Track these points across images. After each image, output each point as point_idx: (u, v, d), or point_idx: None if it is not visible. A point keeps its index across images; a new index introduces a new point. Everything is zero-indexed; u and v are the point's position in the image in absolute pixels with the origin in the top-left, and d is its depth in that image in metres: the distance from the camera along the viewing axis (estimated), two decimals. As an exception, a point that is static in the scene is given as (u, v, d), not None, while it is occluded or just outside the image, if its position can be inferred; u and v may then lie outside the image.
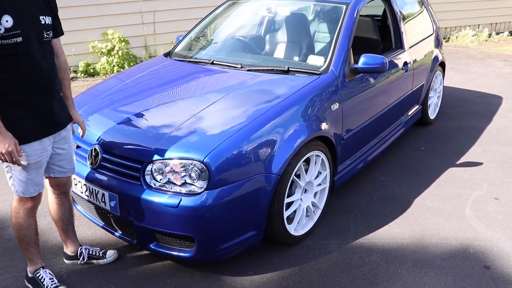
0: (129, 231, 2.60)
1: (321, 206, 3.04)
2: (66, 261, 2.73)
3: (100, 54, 7.27)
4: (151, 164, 2.43)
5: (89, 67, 7.22)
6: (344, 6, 3.48)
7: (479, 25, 11.02)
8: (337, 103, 3.02)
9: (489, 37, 10.87)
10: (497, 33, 11.22)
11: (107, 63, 7.25)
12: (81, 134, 2.57)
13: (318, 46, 3.60)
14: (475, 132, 4.82)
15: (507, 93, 6.21)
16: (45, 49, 2.16)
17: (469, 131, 4.82)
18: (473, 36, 10.36)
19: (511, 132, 4.81)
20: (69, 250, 2.71)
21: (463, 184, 3.70)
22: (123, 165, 2.53)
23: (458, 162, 4.10)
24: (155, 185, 2.42)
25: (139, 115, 2.82)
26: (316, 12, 4.10)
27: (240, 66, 3.27)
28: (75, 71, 7.18)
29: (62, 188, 2.54)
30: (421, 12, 4.75)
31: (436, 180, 3.76)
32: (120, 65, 7.27)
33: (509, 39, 10.87)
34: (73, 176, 2.72)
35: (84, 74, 7.16)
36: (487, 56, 8.72)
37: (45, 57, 2.16)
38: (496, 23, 11.37)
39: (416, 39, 4.37)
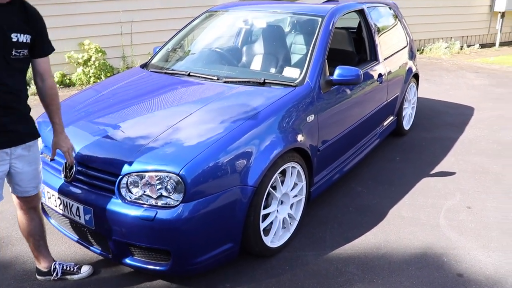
0: (104, 245, 2.57)
1: (298, 217, 3.05)
2: (38, 277, 2.66)
3: (76, 64, 7.21)
4: (127, 177, 2.41)
5: (65, 78, 7.15)
6: (320, 19, 3.53)
7: (451, 37, 11.32)
8: (313, 115, 3.05)
9: (461, 49, 11.18)
10: (468, 46, 11.56)
11: (84, 73, 7.18)
12: (68, 160, 2.51)
13: (294, 58, 3.64)
14: (449, 142, 4.92)
15: (478, 104, 6.37)
16: (12, 66, 2.12)
17: (442, 142, 4.92)
18: (446, 48, 10.63)
19: (482, 142, 4.93)
20: (42, 266, 2.65)
21: (437, 193, 3.77)
22: (98, 178, 2.50)
23: (432, 172, 4.17)
24: (130, 198, 2.39)
25: (115, 127, 2.80)
26: (292, 24, 4.15)
27: (216, 78, 3.27)
28: (50, 82, 7.08)
29: (29, 203, 2.48)
30: (395, 25, 4.85)
31: (411, 190, 3.82)
32: (96, 75, 7.21)
33: (480, 52, 11.20)
34: (47, 189, 2.69)
35: (60, 85, 7.08)
36: (460, 68, 8.93)
37: (11, 74, 2.12)
38: (467, 36, 11.71)
39: (391, 51, 4.46)
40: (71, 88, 7.04)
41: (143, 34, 7.63)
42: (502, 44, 12.26)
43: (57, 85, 6.96)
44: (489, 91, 7.14)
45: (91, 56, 7.19)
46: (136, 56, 7.66)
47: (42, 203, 2.88)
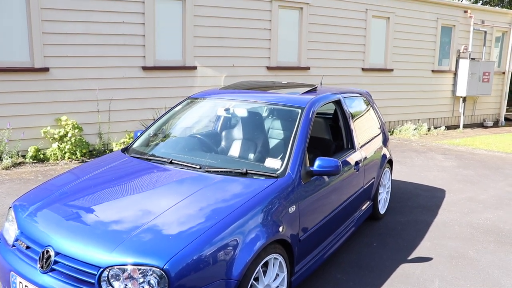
0: None
1: (279, 308, 3.00)
2: None
3: (52, 140, 7.18)
4: (108, 270, 2.35)
5: (39, 153, 7.08)
6: (300, 110, 3.67)
7: (419, 119, 11.89)
8: (294, 206, 3.09)
9: (429, 131, 11.71)
10: (435, 127, 12.13)
11: (59, 149, 7.13)
12: None
13: (275, 149, 3.73)
14: (423, 225, 5.01)
15: (449, 187, 6.57)
16: None
17: (417, 225, 5.01)
18: (414, 129, 11.11)
19: (456, 226, 5.03)
20: None
21: (415, 280, 3.78)
22: (77, 269, 2.43)
23: (409, 258, 4.20)
24: (111, 292, 2.33)
25: (97, 215, 2.76)
26: (272, 114, 4.30)
27: (199, 167, 3.29)
28: (23, 156, 7.01)
29: None
30: (369, 114, 5.07)
31: (390, 276, 3.82)
32: (72, 151, 7.17)
33: (446, 133, 11.74)
34: (19, 279, 2.59)
35: (33, 160, 6.99)
36: (429, 149, 9.28)
37: None
38: (433, 118, 12.32)
39: (366, 138, 4.64)
40: (45, 163, 6.96)
41: (121, 112, 7.74)
42: (465, 126, 12.91)
43: (31, 160, 6.89)
44: (458, 173, 7.41)
45: (67, 132, 7.19)
46: (113, 134, 7.70)
47: (12, 294, 2.76)
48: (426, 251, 4.36)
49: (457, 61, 12.39)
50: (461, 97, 12.55)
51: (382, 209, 5.15)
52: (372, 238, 4.64)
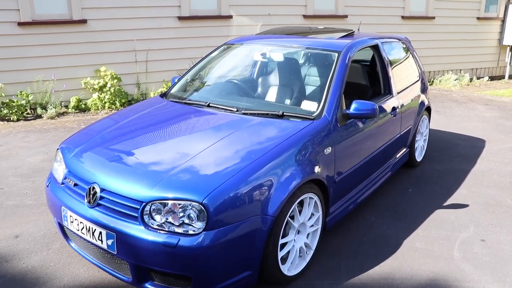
0: (125, 270, 2.62)
1: (314, 246, 3.10)
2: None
3: (92, 90, 7.38)
4: (150, 204, 2.48)
5: (81, 103, 7.31)
6: (336, 54, 3.63)
7: (461, 70, 11.47)
8: (330, 147, 3.12)
9: (471, 81, 11.30)
10: (478, 78, 11.68)
11: (99, 99, 7.34)
12: None
13: (311, 92, 3.74)
14: (461, 174, 4.96)
15: (490, 137, 6.42)
16: None
17: (455, 174, 4.96)
18: (455, 80, 10.75)
19: (495, 175, 4.96)
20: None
21: (450, 225, 3.79)
22: (121, 204, 2.57)
23: (445, 204, 4.20)
24: (153, 224, 2.46)
25: (138, 155, 2.88)
26: (308, 58, 4.26)
27: (236, 110, 3.36)
28: (66, 106, 7.26)
29: None
30: (407, 59, 4.95)
31: (424, 221, 3.85)
32: (111, 101, 7.37)
33: (489, 84, 11.29)
34: (70, 213, 2.77)
35: (75, 109, 7.23)
36: (470, 100, 9.01)
37: None
38: (476, 69, 11.85)
39: (404, 85, 4.55)
40: (86, 113, 7.20)
41: (157, 62, 7.82)
42: (511, 76, 12.36)
43: (73, 110, 7.14)
44: (500, 124, 7.20)
45: (106, 83, 7.37)
46: (151, 83, 7.83)
47: (62, 226, 2.96)
48: (462, 198, 4.34)
49: (506, 7, 11.72)
50: (509, 46, 11.96)
51: (419, 156, 5.11)
52: (408, 184, 4.64)
